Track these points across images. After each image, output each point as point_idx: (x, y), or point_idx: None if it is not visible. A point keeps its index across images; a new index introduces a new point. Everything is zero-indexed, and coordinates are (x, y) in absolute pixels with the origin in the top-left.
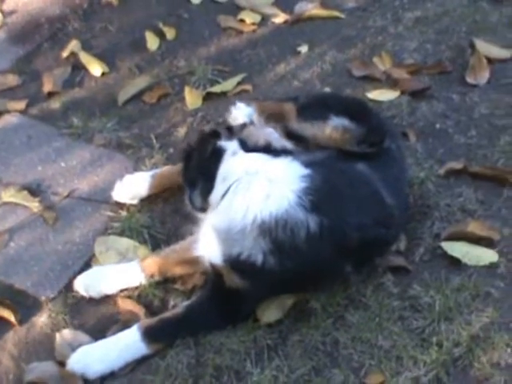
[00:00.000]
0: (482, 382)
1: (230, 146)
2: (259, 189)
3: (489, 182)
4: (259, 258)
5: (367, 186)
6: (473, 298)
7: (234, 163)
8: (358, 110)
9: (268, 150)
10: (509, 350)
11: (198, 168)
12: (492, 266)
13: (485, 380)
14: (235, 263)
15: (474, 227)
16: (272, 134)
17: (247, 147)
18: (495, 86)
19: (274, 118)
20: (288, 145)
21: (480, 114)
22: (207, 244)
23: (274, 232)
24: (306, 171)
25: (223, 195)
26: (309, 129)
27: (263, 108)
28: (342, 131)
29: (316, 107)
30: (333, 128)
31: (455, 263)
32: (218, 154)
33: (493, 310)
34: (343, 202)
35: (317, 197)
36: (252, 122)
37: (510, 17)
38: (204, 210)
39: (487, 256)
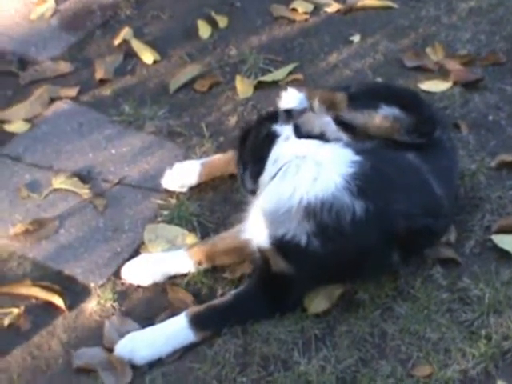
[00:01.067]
0: None
1: (285, 130)
2: (307, 171)
3: None
4: (303, 240)
5: (416, 176)
6: None
7: (286, 147)
8: (409, 100)
9: (321, 139)
10: None
11: (251, 150)
12: None
13: None
14: (280, 244)
15: None
16: (329, 124)
17: (300, 133)
18: None
19: (325, 106)
20: (343, 136)
21: None
22: (255, 226)
23: (319, 215)
24: (355, 157)
25: (272, 177)
26: (359, 118)
27: (315, 95)
28: (392, 120)
29: (367, 96)
30: (383, 117)
31: (506, 256)
32: (271, 138)
33: None
34: (391, 190)
35: (364, 182)
36: (312, 109)
37: None
38: (254, 192)
39: None
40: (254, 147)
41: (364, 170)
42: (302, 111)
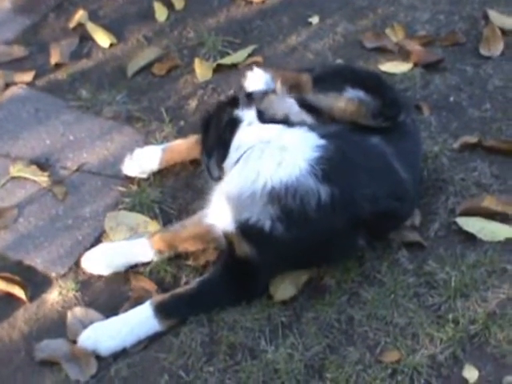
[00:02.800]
0: (499, 360)
1: (247, 116)
2: (271, 156)
3: (504, 156)
4: (267, 224)
5: (381, 159)
6: (489, 275)
7: (249, 132)
8: (374, 83)
9: (285, 122)
10: None
11: (215, 137)
12: (508, 242)
13: (501, 357)
14: (244, 228)
15: (489, 202)
16: (293, 106)
17: (264, 118)
18: (509, 57)
19: (289, 87)
20: (307, 119)
21: (494, 86)
22: (219, 211)
23: (284, 199)
24: (320, 141)
25: (236, 162)
26: (324, 100)
27: (280, 76)
28: (357, 104)
29: (332, 79)
30: (348, 100)
31: (470, 239)
32: (234, 124)
33: (509, 287)
34: (356, 174)
35: (329, 167)
36: (273, 91)
37: None
38: (220, 178)
39: (503, 231)
40: (217, 134)
41: (329, 154)
42: (263, 94)
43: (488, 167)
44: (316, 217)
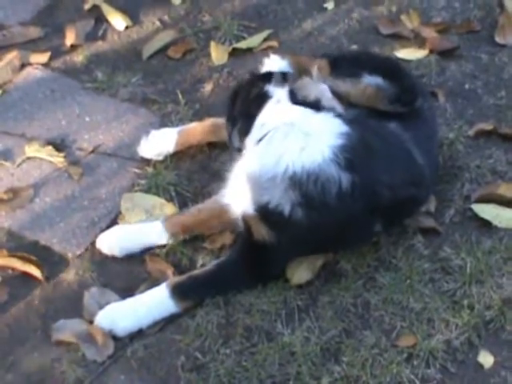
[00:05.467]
0: None
1: (277, 93)
2: (295, 140)
3: None
4: (287, 209)
5: (399, 146)
6: (504, 261)
7: (276, 111)
8: (392, 69)
9: (316, 106)
10: None
11: (241, 107)
12: None
13: None
14: (263, 212)
15: (504, 189)
16: (325, 92)
17: (295, 99)
18: None
19: (307, 73)
20: (337, 106)
21: (509, 74)
22: (237, 192)
23: (305, 185)
24: (344, 128)
25: (258, 140)
26: (342, 86)
27: (297, 62)
28: (375, 89)
29: (349, 65)
30: (366, 86)
31: (486, 225)
32: (263, 98)
33: None
34: (376, 161)
35: (352, 155)
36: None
37: None
38: (240, 150)
39: None
40: (245, 105)
41: (352, 142)
42: (296, 76)
43: (503, 154)
44: (336, 204)
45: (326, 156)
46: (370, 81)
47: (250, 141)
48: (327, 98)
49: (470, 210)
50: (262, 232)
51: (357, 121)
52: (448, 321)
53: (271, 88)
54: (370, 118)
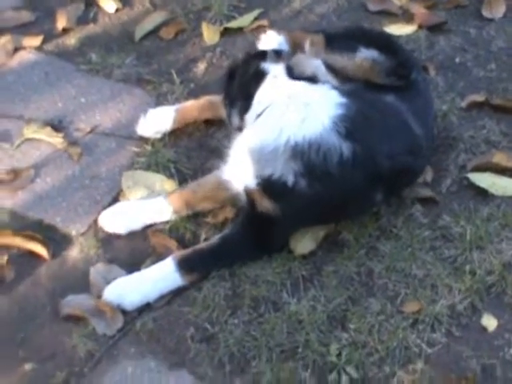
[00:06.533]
0: None
1: (274, 69)
2: (295, 111)
3: (511, 115)
4: (290, 180)
5: (397, 117)
6: (502, 227)
7: (274, 86)
8: (387, 44)
9: (312, 80)
10: None
11: (239, 86)
12: None
13: None
14: (266, 184)
15: (499, 158)
16: (319, 67)
17: (292, 74)
18: (511, 19)
19: (301, 48)
20: (332, 80)
21: (498, 47)
22: (239, 166)
23: (307, 155)
24: (342, 99)
25: (258, 115)
26: (338, 60)
27: (292, 38)
28: (371, 63)
29: (345, 39)
30: (363, 59)
31: (482, 194)
32: (259, 75)
33: None
34: (376, 132)
35: (352, 124)
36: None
37: None
38: (241, 129)
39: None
40: (242, 83)
41: (350, 112)
42: (292, 53)
43: (496, 125)
44: (338, 173)
45: (326, 125)
46: (366, 55)
47: (249, 117)
48: (322, 72)
49: (467, 179)
50: (265, 204)
51: (354, 93)
52: (451, 286)
53: (267, 65)
54: (367, 91)
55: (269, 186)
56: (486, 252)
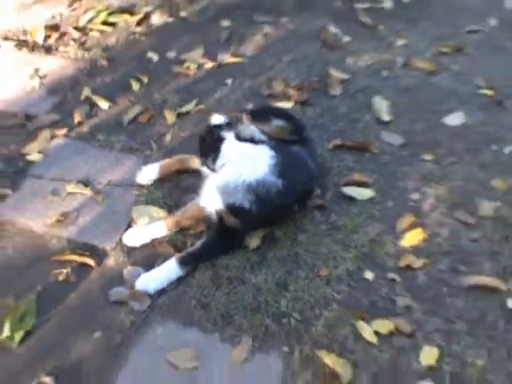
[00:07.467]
0: (386, 262)
1: (228, 135)
2: (247, 163)
3: (358, 150)
4: (247, 205)
5: (301, 160)
6: (367, 218)
7: (231, 147)
8: (286, 115)
9: (253, 141)
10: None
11: (209, 146)
12: (372, 198)
13: (384, 261)
14: (231, 208)
15: (357, 176)
16: (254, 130)
17: (239, 137)
18: (346, 95)
19: (239, 122)
20: (263, 137)
21: (342, 112)
22: (212, 196)
23: (256, 190)
24: (272, 152)
25: (223, 165)
26: (263, 127)
27: (230, 116)
28: (281, 128)
29: (262, 114)
30: (276, 126)
31: (352, 199)
32: (220, 139)
33: (379, 225)
34: (294, 170)
35: (280, 168)
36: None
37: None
38: (214, 170)
39: (368, 193)
40: (211, 145)
41: (278, 160)
42: (236, 124)
43: (351, 157)
44: (276, 199)
45: (266, 170)
46: (278, 122)
47: (217, 165)
48: (257, 135)
49: (341, 191)
50: (230, 220)
51: (276, 147)
52: (344, 257)
53: (223, 133)
54: (283, 146)
55: (233, 209)
56: (359, 234)
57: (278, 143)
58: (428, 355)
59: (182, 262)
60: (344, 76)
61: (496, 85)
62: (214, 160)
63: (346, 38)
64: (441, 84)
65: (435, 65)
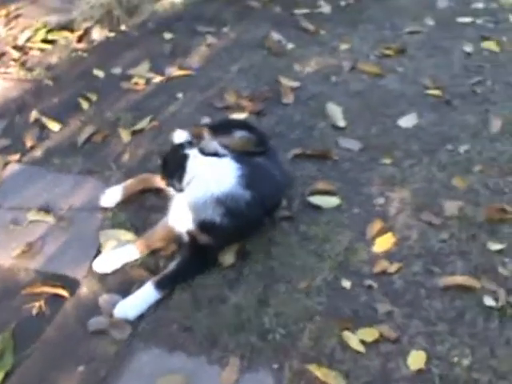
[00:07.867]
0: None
1: (192, 152)
2: (213, 177)
3: (318, 158)
4: (218, 220)
5: (267, 171)
6: (336, 226)
7: (196, 162)
8: (248, 125)
9: (216, 154)
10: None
11: (174, 166)
12: (339, 206)
13: (362, 268)
14: (202, 225)
15: (321, 185)
16: (217, 145)
17: (204, 153)
18: (299, 102)
19: (200, 137)
20: (225, 152)
21: (297, 120)
22: (181, 216)
23: (225, 202)
24: (237, 165)
25: (189, 182)
26: (225, 140)
27: (192, 131)
28: (245, 139)
29: (223, 127)
30: (240, 137)
31: (318, 208)
32: (185, 157)
33: (349, 232)
34: (260, 182)
35: (247, 179)
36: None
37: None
38: (182, 190)
39: (334, 201)
40: (175, 164)
41: (244, 172)
42: (196, 141)
43: (312, 166)
44: (246, 211)
45: (233, 182)
46: (240, 134)
47: (184, 183)
48: (220, 149)
49: (307, 201)
50: (203, 238)
51: (241, 160)
52: (320, 267)
53: (187, 150)
54: (247, 157)
55: (204, 225)
56: (331, 242)
57: (242, 155)
58: (416, 359)
59: (159, 286)
60: (294, 83)
61: (442, 84)
62: (181, 179)
63: (290, 45)
64: (389, 87)
65: (381, 68)
